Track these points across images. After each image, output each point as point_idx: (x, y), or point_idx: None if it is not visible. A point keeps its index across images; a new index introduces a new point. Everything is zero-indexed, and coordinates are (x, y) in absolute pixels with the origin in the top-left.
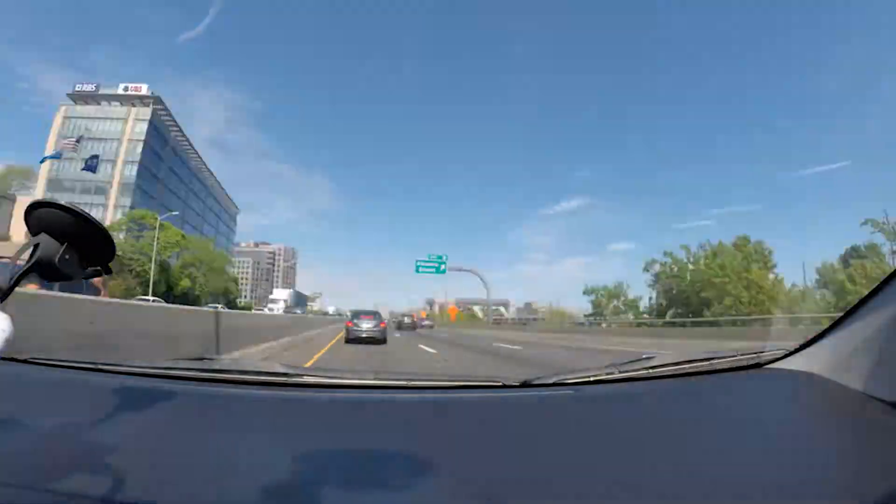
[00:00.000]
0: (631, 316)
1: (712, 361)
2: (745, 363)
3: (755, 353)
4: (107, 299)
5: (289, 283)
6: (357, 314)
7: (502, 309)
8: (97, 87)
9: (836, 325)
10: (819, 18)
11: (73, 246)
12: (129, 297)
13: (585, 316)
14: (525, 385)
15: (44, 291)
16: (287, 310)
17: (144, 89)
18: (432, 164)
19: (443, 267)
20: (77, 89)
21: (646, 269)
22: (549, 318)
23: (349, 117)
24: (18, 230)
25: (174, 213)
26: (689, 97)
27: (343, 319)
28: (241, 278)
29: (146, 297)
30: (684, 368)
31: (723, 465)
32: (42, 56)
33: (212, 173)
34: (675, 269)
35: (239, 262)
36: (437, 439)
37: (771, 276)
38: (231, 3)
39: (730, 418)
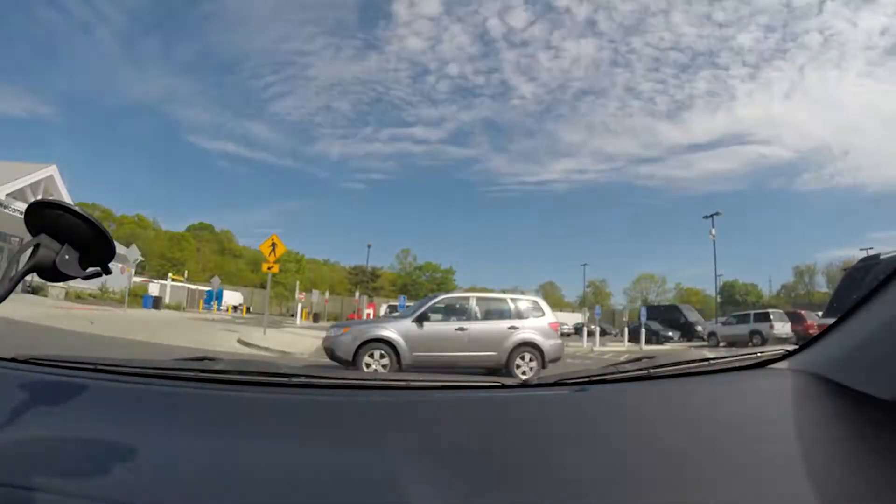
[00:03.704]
0: None
1: (712, 361)
2: (745, 363)
3: (755, 353)
4: None
5: None
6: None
7: None
8: None
9: (836, 325)
10: None
11: (73, 246)
12: None
13: None
14: (525, 385)
15: None
16: None
17: None
18: None
19: None
20: None
21: None
22: None
23: None
24: None
25: None
26: None
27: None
28: None
29: None
30: (684, 369)
31: (723, 465)
32: None
33: None
34: None
35: None
36: (438, 439)
37: None
38: None
39: (730, 418)
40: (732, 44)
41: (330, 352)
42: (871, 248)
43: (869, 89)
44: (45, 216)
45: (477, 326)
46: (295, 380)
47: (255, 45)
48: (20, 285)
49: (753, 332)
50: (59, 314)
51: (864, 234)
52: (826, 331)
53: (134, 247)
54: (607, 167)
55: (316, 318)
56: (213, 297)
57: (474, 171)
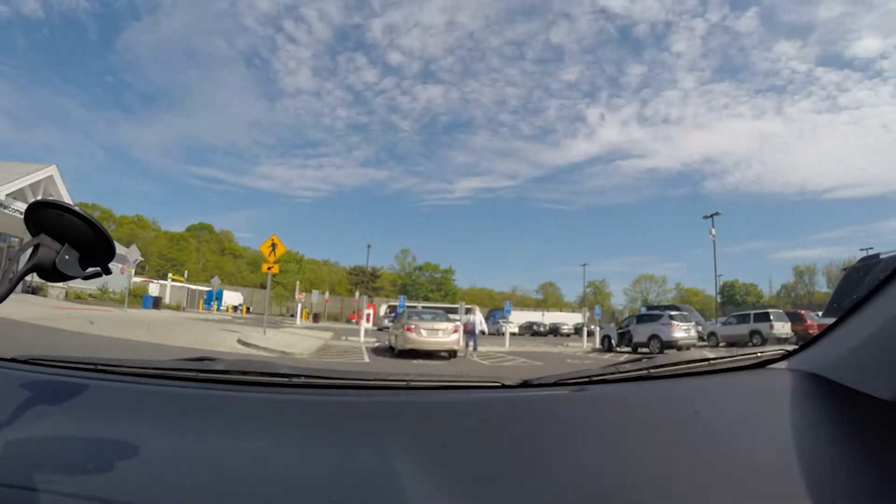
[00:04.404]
0: None
1: (712, 361)
2: (745, 363)
3: (755, 353)
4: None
5: None
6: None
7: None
8: None
9: (836, 324)
10: None
11: (73, 246)
12: None
13: None
14: (525, 385)
15: None
16: None
17: None
18: None
19: None
20: None
21: None
22: None
23: None
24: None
25: None
26: None
27: None
28: None
29: None
30: (684, 368)
31: (723, 464)
32: None
33: None
34: None
35: None
36: (437, 439)
37: None
38: None
39: (730, 418)
40: (560, 78)
41: None
42: (870, 248)
43: (721, 105)
44: (45, 216)
45: None
46: (295, 380)
47: (195, 102)
48: (20, 285)
49: (753, 332)
50: (59, 314)
51: (771, 239)
52: (826, 331)
53: (134, 247)
54: (512, 184)
55: (316, 318)
56: (213, 298)
57: (395, 189)
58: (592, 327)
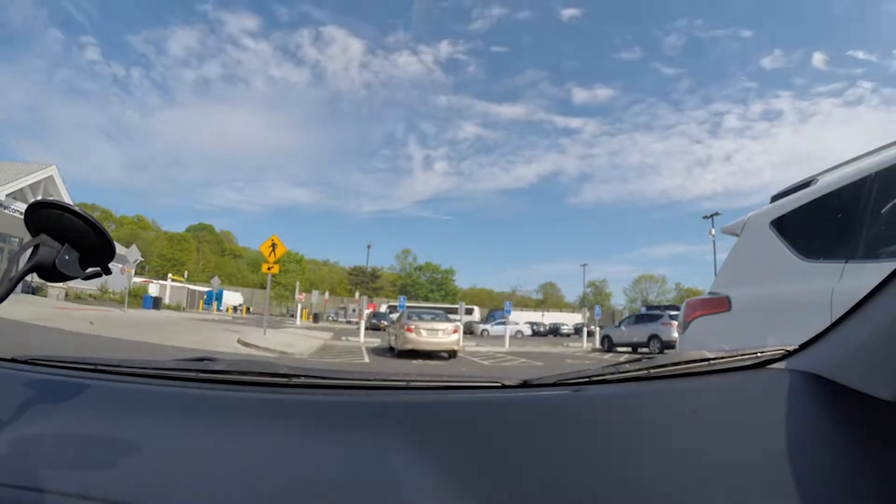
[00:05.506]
0: None
1: (712, 361)
2: (745, 363)
3: (755, 352)
4: None
5: None
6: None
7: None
8: None
9: (836, 324)
10: None
11: (73, 246)
12: None
13: None
14: (525, 385)
15: None
16: None
17: None
18: None
19: None
20: None
21: None
22: None
23: None
24: None
25: None
26: None
27: None
28: None
29: None
30: (684, 369)
31: (723, 465)
32: None
33: None
34: None
35: None
36: (437, 440)
37: None
38: None
39: (730, 419)
40: (378, 130)
41: None
42: None
43: (517, 138)
44: (45, 216)
45: None
46: (295, 380)
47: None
48: (20, 285)
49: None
50: (59, 314)
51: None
52: (826, 330)
53: (134, 247)
54: (401, 206)
55: (316, 318)
56: (213, 298)
57: (320, 209)
58: (592, 327)
